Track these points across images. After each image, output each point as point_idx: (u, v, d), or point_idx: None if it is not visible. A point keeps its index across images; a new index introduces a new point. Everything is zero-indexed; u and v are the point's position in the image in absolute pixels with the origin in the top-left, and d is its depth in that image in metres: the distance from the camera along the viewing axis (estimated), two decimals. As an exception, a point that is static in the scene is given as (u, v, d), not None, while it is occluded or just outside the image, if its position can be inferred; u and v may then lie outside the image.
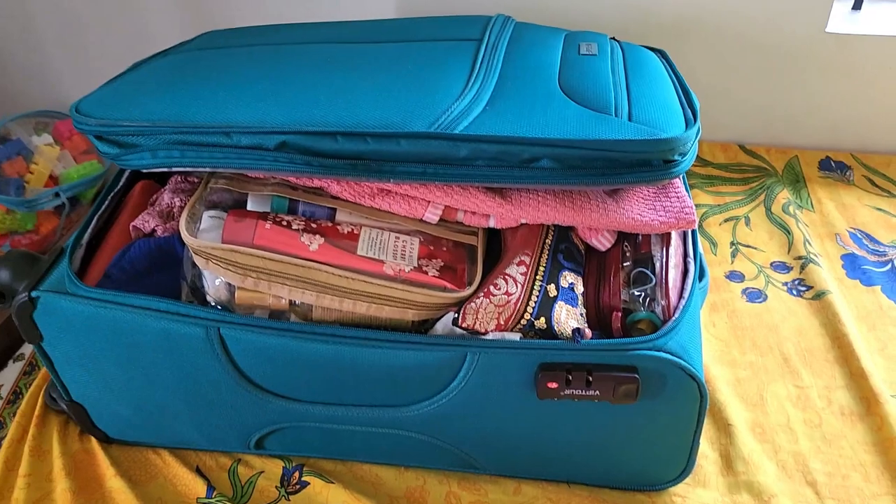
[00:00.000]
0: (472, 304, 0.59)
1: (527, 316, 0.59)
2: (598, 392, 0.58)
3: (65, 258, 0.64)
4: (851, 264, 0.91)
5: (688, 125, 0.60)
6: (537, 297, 0.60)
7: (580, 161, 0.59)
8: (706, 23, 1.01)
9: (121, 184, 0.73)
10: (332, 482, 0.69)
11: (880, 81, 1.03)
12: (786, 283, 0.89)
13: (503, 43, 0.74)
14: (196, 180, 0.72)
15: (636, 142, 0.58)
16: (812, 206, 1.00)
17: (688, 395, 0.60)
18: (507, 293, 0.59)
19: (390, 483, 0.69)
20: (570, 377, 0.58)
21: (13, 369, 0.81)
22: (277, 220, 0.61)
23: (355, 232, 0.62)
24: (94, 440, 0.73)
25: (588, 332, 0.58)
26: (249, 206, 0.63)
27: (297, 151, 0.59)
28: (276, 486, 0.69)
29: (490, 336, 0.59)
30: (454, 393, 0.61)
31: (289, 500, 0.68)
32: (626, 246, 0.65)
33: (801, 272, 0.90)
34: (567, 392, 0.59)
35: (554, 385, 0.58)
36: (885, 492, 0.67)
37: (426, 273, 0.60)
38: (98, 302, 0.61)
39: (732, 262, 0.92)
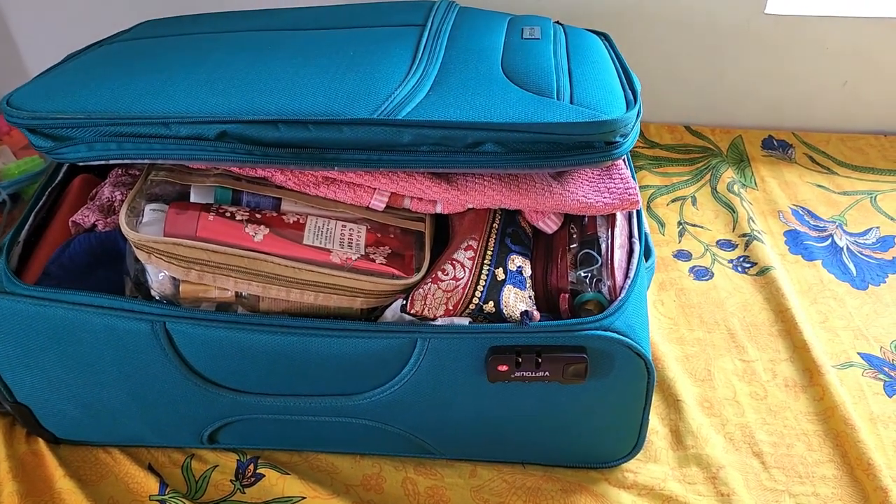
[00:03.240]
0: (421, 290, 0.59)
1: (475, 300, 0.59)
2: (547, 373, 0.59)
3: (1, 256, 0.62)
4: (794, 240, 0.93)
5: (628, 107, 0.61)
6: (485, 281, 0.60)
7: (523, 144, 0.59)
8: (648, 6, 1.02)
9: (59, 178, 0.71)
10: (288, 473, 0.68)
11: (818, 61, 1.06)
12: (731, 261, 0.91)
13: (446, 28, 0.74)
14: (137, 173, 0.71)
15: (578, 124, 0.58)
16: (756, 185, 1.02)
17: (635, 373, 0.61)
18: (454, 278, 0.59)
19: (346, 471, 0.69)
20: (520, 359, 0.59)
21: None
22: (221, 211, 0.60)
23: (301, 221, 0.61)
24: (41, 441, 0.71)
25: (536, 314, 0.59)
26: (193, 198, 0.62)
27: (238, 141, 0.59)
28: (230, 480, 0.69)
29: (439, 322, 0.59)
30: (406, 380, 0.61)
31: (244, 492, 0.68)
32: (573, 228, 0.66)
33: (745, 249, 0.92)
34: (517, 374, 0.59)
35: (504, 368, 0.59)
36: (827, 459, 0.70)
37: (373, 261, 0.60)
38: (38, 300, 0.60)
39: (680, 242, 0.93)
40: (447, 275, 0.60)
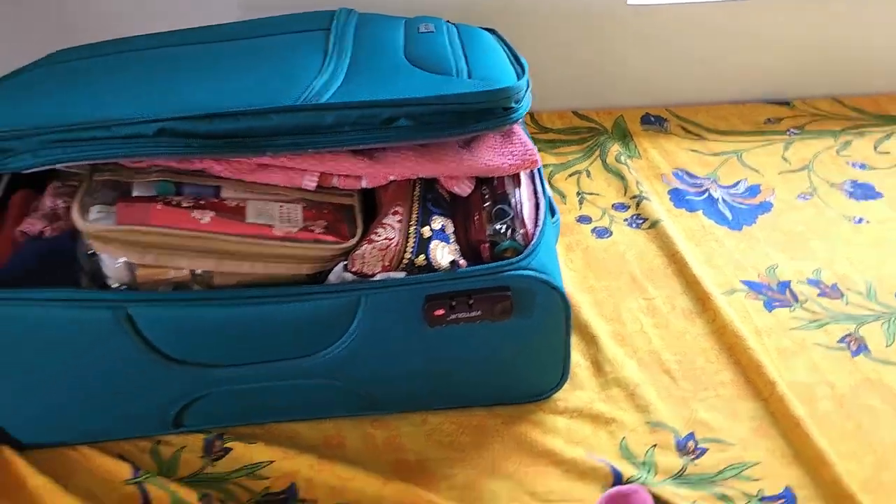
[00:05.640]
0: (358, 251, 0.66)
1: (407, 255, 0.67)
2: (479, 312, 0.67)
3: (-45, 268, 0.66)
4: (676, 197, 1.06)
5: (518, 77, 0.71)
6: (414, 239, 0.68)
7: (432, 117, 0.68)
8: (528, 3, 1.14)
9: None
10: (254, 442, 0.74)
11: (679, 44, 1.20)
12: (626, 220, 1.02)
13: (350, 29, 0.82)
14: (75, 184, 0.75)
15: (478, 93, 0.67)
16: (640, 155, 1.15)
17: (553, 306, 0.70)
18: (387, 238, 0.67)
19: (307, 434, 0.75)
20: (454, 303, 0.67)
21: None
22: (167, 201, 0.66)
23: (241, 205, 0.68)
24: (5, 450, 0.74)
25: (463, 262, 0.67)
26: (135, 193, 0.67)
27: (175, 135, 0.65)
28: (199, 457, 0.73)
29: (378, 277, 0.66)
30: (354, 335, 0.68)
31: (214, 465, 0.72)
32: (485, 189, 0.75)
33: (637, 208, 1.03)
34: (453, 317, 0.67)
35: (441, 312, 0.67)
36: (724, 367, 0.81)
37: (312, 231, 0.67)
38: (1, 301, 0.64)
39: (581, 209, 1.04)
40: (380, 236, 0.67)
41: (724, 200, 1.05)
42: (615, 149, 1.15)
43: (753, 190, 1.07)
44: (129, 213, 0.63)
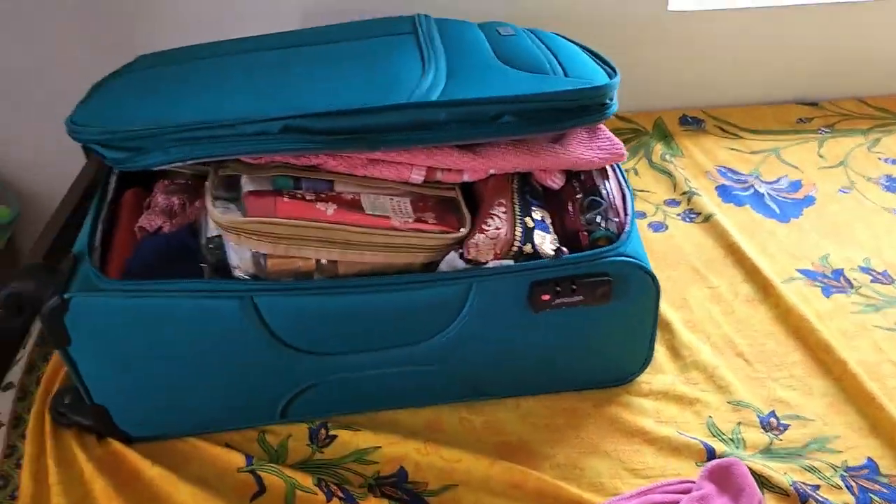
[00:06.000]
0: (472, 240, 0.70)
1: (515, 244, 0.71)
2: (581, 297, 0.71)
3: (83, 261, 0.68)
4: (724, 192, 1.11)
5: (611, 76, 0.75)
6: (521, 229, 0.72)
7: (535, 113, 0.72)
8: (571, 9, 1.19)
9: (110, 193, 0.77)
10: (359, 430, 0.76)
11: (716, 47, 1.25)
12: (679, 214, 1.07)
13: (434, 33, 0.86)
14: (182, 181, 0.78)
15: (578, 91, 0.72)
16: (682, 153, 1.20)
17: (646, 289, 0.74)
18: (496, 228, 0.71)
19: (408, 422, 0.78)
20: (559, 288, 0.71)
21: (5, 398, 0.81)
22: (291, 194, 0.69)
23: (357, 198, 0.71)
24: (114, 443, 0.76)
25: (565, 250, 0.71)
26: (254, 187, 0.70)
27: (299, 132, 0.68)
28: (307, 444, 0.76)
29: (490, 264, 0.70)
30: (464, 320, 0.71)
31: (322, 452, 0.75)
32: (575, 182, 0.79)
33: (688, 203, 1.08)
34: (557, 301, 0.71)
35: (547, 297, 0.71)
36: (793, 350, 0.85)
37: (426, 222, 0.70)
38: (131, 293, 0.66)
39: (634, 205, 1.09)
40: (490, 226, 0.71)
41: (769, 195, 1.10)
42: (658, 148, 1.20)
43: (795, 185, 1.12)
44: (257, 206, 0.66)
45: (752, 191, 1.11)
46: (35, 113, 1.20)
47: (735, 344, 0.86)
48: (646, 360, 0.81)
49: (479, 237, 0.70)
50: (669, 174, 1.14)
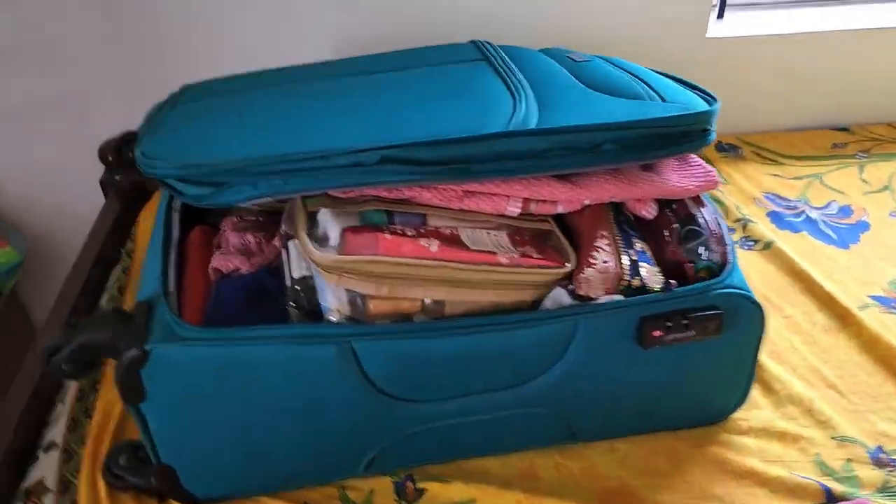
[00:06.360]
0: (583, 275, 0.65)
1: (625, 278, 0.67)
2: (694, 332, 0.67)
3: (160, 308, 0.62)
4: (777, 219, 1.09)
5: (709, 103, 0.72)
6: (627, 261, 0.68)
7: (636, 140, 0.68)
8: (613, 39, 1.16)
9: (176, 232, 0.70)
10: (449, 481, 0.71)
11: (751, 73, 1.24)
12: (736, 242, 1.04)
13: (507, 60, 0.82)
14: (252, 218, 0.72)
15: (681, 117, 0.68)
16: (725, 180, 1.18)
17: (753, 321, 0.71)
18: (604, 262, 0.67)
19: (498, 470, 0.73)
20: (670, 323, 0.66)
21: (48, 460, 0.73)
22: (391, 230, 0.63)
23: (455, 233, 0.66)
24: (176, 505, 0.69)
25: (675, 283, 0.67)
26: (343, 224, 0.65)
27: (398, 163, 0.63)
28: (394, 500, 0.70)
29: (602, 300, 0.65)
30: (570, 360, 0.67)
31: (414, 508, 0.69)
32: (669, 212, 0.75)
33: (744, 231, 1.06)
34: (670, 337, 0.67)
35: (658, 333, 0.66)
36: (886, 380, 0.82)
37: (531, 257, 0.66)
38: (218, 341, 0.60)
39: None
40: (597, 260, 0.67)
41: (823, 221, 1.08)
42: (702, 175, 1.17)
43: (846, 210, 1.10)
44: (358, 243, 0.61)
45: (803, 216, 1.09)
46: (46, 149, 1.13)
47: (824, 375, 0.83)
48: (744, 395, 0.77)
49: (588, 272, 0.66)
50: (719, 202, 1.11)
